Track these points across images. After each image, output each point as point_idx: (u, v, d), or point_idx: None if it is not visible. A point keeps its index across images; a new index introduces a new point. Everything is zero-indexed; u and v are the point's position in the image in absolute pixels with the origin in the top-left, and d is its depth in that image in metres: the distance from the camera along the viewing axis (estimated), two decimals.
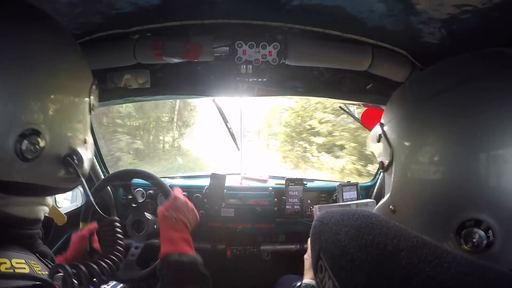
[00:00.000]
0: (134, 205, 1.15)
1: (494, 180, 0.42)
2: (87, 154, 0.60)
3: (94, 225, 0.97)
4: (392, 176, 0.55)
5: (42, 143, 0.48)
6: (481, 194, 0.42)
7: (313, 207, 0.96)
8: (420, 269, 0.29)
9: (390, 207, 0.55)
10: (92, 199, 0.55)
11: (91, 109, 0.62)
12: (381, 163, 0.58)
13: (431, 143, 0.48)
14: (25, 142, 0.46)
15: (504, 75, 0.45)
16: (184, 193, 1.50)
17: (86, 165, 0.60)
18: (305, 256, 0.91)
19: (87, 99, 0.60)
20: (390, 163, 0.55)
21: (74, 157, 0.55)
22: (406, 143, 0.52)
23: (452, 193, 0.45)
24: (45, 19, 0.54)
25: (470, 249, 0.42)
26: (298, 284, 0.83)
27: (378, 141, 0.60)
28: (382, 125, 0.59)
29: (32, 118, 0.47)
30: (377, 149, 0.61)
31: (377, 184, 1.59)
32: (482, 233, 0.42)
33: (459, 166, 0.44)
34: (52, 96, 0.50)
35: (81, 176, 0.55)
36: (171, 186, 1.14)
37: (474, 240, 0.42)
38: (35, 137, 0.47)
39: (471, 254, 0.43)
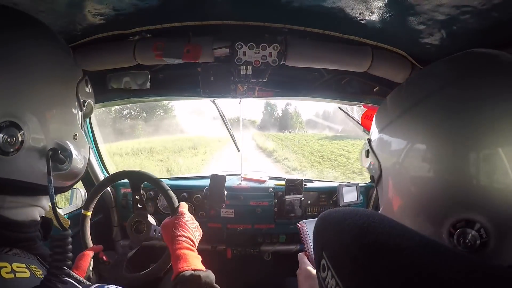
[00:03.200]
0: (139, 206, 1.14)
1: (484, 179, 0.41)
2: (78, 150, 0.58)
3: (99, 247, 1.01)
4: (382, 189, 0.54)
5: (21, 136, 0.46)
6: (470, 194, 0.42)
7: (298, 224, 0.93)
8: (423, 268, 0.29)
9: None
10: (56, 205, 0.50)
11: (81, 105, 0.61)
12: (372, 178, 0.58)
13: (415, 151, 0.47)
14: (1, 135, 0.44)
15: (489, 75, 0.45)
16: (183, 193, 1.52)
17: (79, 162, 0.58)
18: (298, 271, 0.85)
19: (73, 94, 0.58)
20: (380, 177, 0.54)
21: (60, 152, 0.52)
22: (391, 155, 0.51)
23: (440, 197, 0.44)
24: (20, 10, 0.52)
25: (464, 250, 0.42)
26: None
27: (367, 156, 0.59)
28: (369, 140, 0.59)
29: (10, 110, 0.45)
30: (367, 163, 0.60)
31: None
32: (474, 233, 0.41)
33: (446, 169, 0.43)
34: (32, 88, 0.49)
35: (50, 174, 0.50)
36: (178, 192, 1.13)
37: (467, 240, 0.41)
38: (13, 130, 0.45)
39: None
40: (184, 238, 0.83)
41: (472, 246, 0.41)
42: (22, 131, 0.47)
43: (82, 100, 0.61)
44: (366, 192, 1.67)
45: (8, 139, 0.45)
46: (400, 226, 0.34)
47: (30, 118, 0.48)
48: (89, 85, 0.66)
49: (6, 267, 0.42)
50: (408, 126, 0.49)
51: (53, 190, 0.49)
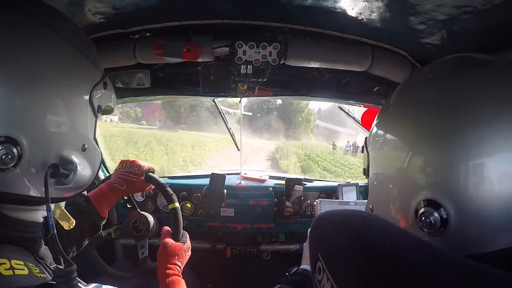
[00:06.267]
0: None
1: (447, 163, 0.42)
2: (86, 162, 0.55)
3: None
4: (369, 178, 0.60)
5: (18, 152, 0.44)
6: (433, 176, 0.43)
7: (314, 201, 0.98)
8: (419, 271, 0.29)
9: (370, 206, 0.58)
10: (55, 232, 0.46)
11: (96, 111, 0.56)
12: (364, 170, 0.65)
13: (388, 142, 0.53)
14: None
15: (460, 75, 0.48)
16: (183, 192, 1.52)
17: (86, 173, 0.55)
18: (305, 244, 0.92)
19: (85, 103, 0.54)
20: (368, 168, 0.60)
21: (61, 167, 0.49)
22: (373, 145, 0.58)
23: (409, 179, 0.47)
24: (27, 7, 0.47)
25: (426, 230, 0.43)
26: (295, 268, 0.83)
27: (362, 151, 0.67)
28: (366, 138, 0.66)
29: (8, 125, 0.43)
30: (363, 158, 0.68)
31: None
32: (435, 213, 0.42)
33: (413, 155, 0.46)
34: (34, 99, 0.45)
35: (49, 201, 0.47)
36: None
37: (428, 220, 0.43)
38: (9, 145, 0.43)
39: (428, 236, 0.44)
40: (178, 268, 0.81)
41: (433, 226, 0.43)
42: (21, 147, 0.44)
43: (97, 106, 0.56)
44: (366, 192, 1.67)
45: (3, 156, 0.42)
46: (395, 228, 0.34)
47: (29, 132, 0.45)
48: (108, 86, 0.60)
49: (5, 263, 0.42)
50: (385, 124, 0.56)
51: (53, 222, 0.46)
